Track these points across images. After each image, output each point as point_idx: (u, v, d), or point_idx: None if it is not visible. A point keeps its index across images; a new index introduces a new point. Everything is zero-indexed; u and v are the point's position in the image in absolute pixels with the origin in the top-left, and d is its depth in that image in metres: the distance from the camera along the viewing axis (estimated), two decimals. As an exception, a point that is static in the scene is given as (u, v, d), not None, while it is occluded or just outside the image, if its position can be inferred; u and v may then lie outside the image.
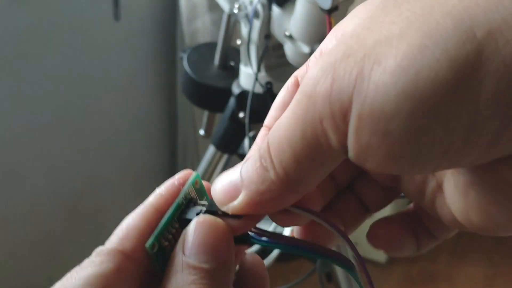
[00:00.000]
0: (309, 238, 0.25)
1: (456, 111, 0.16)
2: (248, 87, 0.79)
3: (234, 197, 0.22)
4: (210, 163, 0.89)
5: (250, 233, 0.24)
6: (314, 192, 0.24)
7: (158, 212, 0.24)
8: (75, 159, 1.28)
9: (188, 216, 0.24)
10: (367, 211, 0.26)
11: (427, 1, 0.17)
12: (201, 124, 0.95)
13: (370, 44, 0.17)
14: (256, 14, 0.74)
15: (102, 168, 1.35)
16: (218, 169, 0.90)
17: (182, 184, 0.25)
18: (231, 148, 0.87)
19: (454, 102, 0.16)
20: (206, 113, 0.93)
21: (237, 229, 0.23)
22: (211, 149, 0.89)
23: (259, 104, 0.78)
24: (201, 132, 0.94)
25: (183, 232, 0.23)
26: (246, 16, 0.75)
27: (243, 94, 0.80)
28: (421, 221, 0.25)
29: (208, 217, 0.23)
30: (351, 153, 0.18)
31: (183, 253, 0.22)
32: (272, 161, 0.20)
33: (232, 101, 0.83)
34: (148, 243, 0.23)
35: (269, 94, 0.76)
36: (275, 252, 0.84)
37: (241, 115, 0.81)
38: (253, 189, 0.21)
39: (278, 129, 0.20)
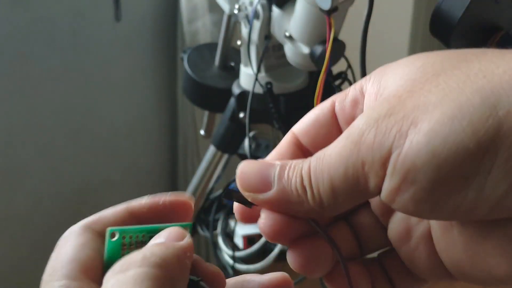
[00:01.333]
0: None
1: (473, 172, 0.20)
2: (248, 87, 0.80)
3: (263, 190, 0.24)
4: (210, 163, 0.90)
5: None
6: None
7: (131, 215, 0.26)
8: (75, 159, 1.28)
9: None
10: (361, 250, 0.27)
11: (460, 77, 0.21)
12: (201, 124, 0.95)
13: (409, 107, 0.21)
14: (256, 14, 0.74)
15: (103, 168, 1.35)
16: (218, 169, 0.90)
17: (166, 205, 0.26)
18: (231, 148, 0.87)
19: (473, 165, 0.20)
20: (206, 113, 0.93)
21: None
22: (211, 149, 0.89)
23: (259, 104, 0.78)
24: (202, 132, 0.95)
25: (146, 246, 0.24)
26: (246, 16, 0.76)
27: (243, 94, 0.80)
28: (384, 271, 0.27)
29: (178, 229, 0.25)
30: (383, 193, 0.22)
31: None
32: (311, 185, 0.23)
33: (232, 101, 0.83)
34: (110, 228, 0.24)
35: (269, 94, 0.77)
36: (275, 252, 0.84)
37: (241, 115, 0.81)
38: (286, 197, 0.24)
39: (322, 162, 0.23)
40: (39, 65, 1.15)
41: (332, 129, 0.26)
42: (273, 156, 0.27)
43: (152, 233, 0.25)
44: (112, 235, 0.24)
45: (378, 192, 0.22)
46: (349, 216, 0.28)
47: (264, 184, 0.24)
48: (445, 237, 0.24)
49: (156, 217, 0.26)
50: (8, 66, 1.10)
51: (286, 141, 0.27)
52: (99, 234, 0.25)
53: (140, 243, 0.25)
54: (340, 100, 0.26)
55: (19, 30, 1.10)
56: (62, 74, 1.20)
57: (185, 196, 0.27)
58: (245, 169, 0.25)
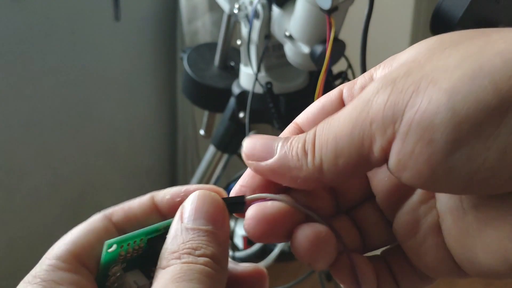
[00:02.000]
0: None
1: (495, 131, 0.19)
2: (248, 87, 0.80)
3: (266, 158, 0.24)
4: (210, 163, 0.90)
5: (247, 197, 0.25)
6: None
7: (155, 207, 0.26)
8: (75, 159, 1.28)
9: (156, 243, 0.24)
10: (365, 246, 0.27)
11: (480, 43, 0.20)
12: (201, 124, 0.95)
13: (428, 68, 0.21)
14: (256, 14, 0.74)
15: (103, 168, 1.35)
16: (218, 169, 0.90)
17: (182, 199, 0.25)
18: (231, 148, 0.87)
19: (494, 124, 0.19)
20: (206, 113, 0.93)
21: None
22: (211, 149, 0.89)
23: (259, 104, 0.78)
24: (201, 132, 0.95)
25: (181, 205, 0.24)
26: (246, 16, 0.76)
27: (243, 94, 0.80)
28: (389, 268, 0.26)
29: (204, 191, 0.24)
30: (393, 158, 0.21)
31: (181, 221, 0.23)
32: (313, 148, 0.23)
33: (232, 101, 0.83)
34: (108, 242, 0.24)
35: (269, 94, 0.76)
36: (275, 252, 0.84)
37: (241, 115, 0.81)
38: (286, 162, 0.24)
39: (328, 124, 0.23)
40: (38, 65, 1.15)
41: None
42: None
43: (150, 235, 0.25)
44: (110, 247, 0.24)
45: (382, 159, 0.21)
46: (353, 211, 0.27)
47: (267, 152, 0.24)
48: (457, 224, 0.23)
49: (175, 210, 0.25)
50: (8, 66, 1.10)
51: (288, 131, 0.27)
52: (115, 225, 0.25)
53: (138, 248, 0.25)
54: (348, 88, 0.26)
55: (18, 30, 1.10)
56: (61, 74, 1.20)
57: (209, 187, 0.26)
58: (252, 140, 0.25)
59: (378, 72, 0.24)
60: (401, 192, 0.25)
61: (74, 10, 1.18)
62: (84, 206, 1.31)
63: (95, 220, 0.26)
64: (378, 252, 0.27)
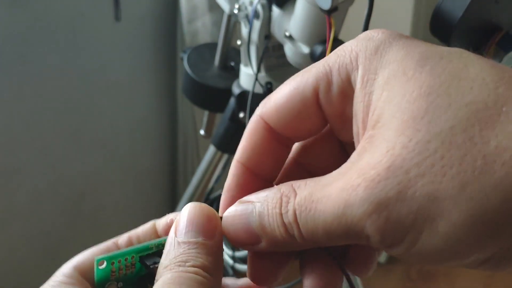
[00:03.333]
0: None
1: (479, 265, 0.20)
2: (248, 87, 0.80)
3: (255, 243, 0.24)
4: (210, 163, 0.90)
5: None
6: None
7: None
8: (75, 159, 1.28)
9: (146, 260, 0.25)
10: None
11: (476, 159, 0.19)
12: (201, 124, 0.95)
13: (423, 195, 0.19)
14: (256, 14, 0.74)
15: (103, 168, 1.35)
16: (218, 169, 0.90)
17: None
18: (231, 148, 0.87)
19: (488, 266, 0.20)
20: (206, 113, 0.93)
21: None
22: (211, 149, 0.89)
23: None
24: (202, 132, 0.95)
25: (175, 220, 0.25)
26: (246, 16, 0.76)
27: (243, 94, 0.80)
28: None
29: (195, 203, 0.25)
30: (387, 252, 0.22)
31: (175, 235, 0.24)
32: (300, 231, 0.22)
33: (232, 101, 0.83)
34: (97, 258, 0.24)
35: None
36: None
37: (241, 115, 0.81)
38: (277, 244, 0.23)
39: (317, 211, 0.22)
40: (38, 65, 1.15)
41: (316, 121, 0.25)
42: (245, 149, 0.26)
43: (141, 253, 0.25)
44: (100, 263, 0.24)
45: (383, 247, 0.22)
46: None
47: (253, 238, 0.24)
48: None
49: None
50: (8, 66, 1.10)
51: (232, 174, 0.26)
52: (118, 247, 0.27)
53: (130, 265, 0.25)
54: (325, 90, 0.24)
55: (19, 30, 1.10)
56: (61, 74, 1.20)
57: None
58: (229, 228, 0.24)
59: (358, 81, 0.22)
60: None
61: (75, 10, 1.18)
62: (84, 206, 1.31)
63: (102, 243, 0.27)
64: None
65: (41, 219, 1.24)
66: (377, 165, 0.20)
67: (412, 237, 0.20)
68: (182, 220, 0.24)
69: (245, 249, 0.25)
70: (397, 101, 0.20)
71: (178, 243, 0.23)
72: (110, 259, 0.24)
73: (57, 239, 1.28)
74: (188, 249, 0.23)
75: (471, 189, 0.19)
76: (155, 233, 0.27)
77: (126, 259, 0.25)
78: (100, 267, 0.24)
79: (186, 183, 1.21)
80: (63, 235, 1.28)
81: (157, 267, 0.24)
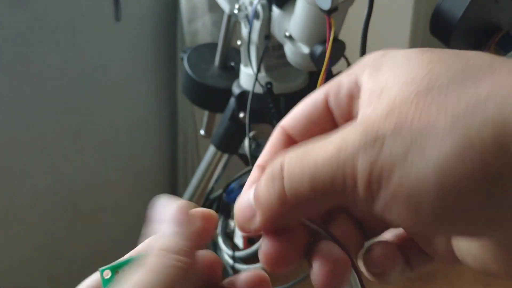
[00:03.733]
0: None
1: (482, 214, 0.20)
2: (248, 87, 0.80)
3: (253, 218, 0.24)
4: (210, 163, 0.90)
5: None
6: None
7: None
8: (76, 159, 1.28)
9: None
10: (364, 235, 0.27)
11: (469, 101, 0.20)
12: (201, 124, 0.95)
13: (417, 129, 0.20)
14: (256, 14, 0.74)
15: (103, 168, 1.35)
16: (218, 169, 0.90)
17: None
18: (231, 148, 0.87)
19: (482, 206, 0.19)
20: (206, 113, 0.93)
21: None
22: (211, 149, 0.89)
23: (259, 104, 0.78)
24: (202, 132, 0.95)
25: None
26: (246, 16, 0.76)
27: (243, 94, 0.80)
28: (415, 243, 0.26)
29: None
30: (379, 211, 0.21)
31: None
32: (283, 186, 0.23)
33: (232, 101, 0.83)
34: (102, 269, 0.25)
35: (269, 94, 0.77)
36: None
37: (241, 115, 0.81)
38: (266, 209, 0.23)
39: (305, 160, 0.22)
40: (39, 65, 1.15)
41: (327, 125, 0.26)
42: (265, 154, 0.27)
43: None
44: (106, 274, 0.25)
45: (367, 204, 0.22)
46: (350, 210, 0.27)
47: (251, 211, 0.24)
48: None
49: None
50: (8, 66, 1.10)
51: (276, 138, 0.27)
52: None
53: None
54: (334, 94, 0.25)
55: (19, 30, 1.10)
56: (62, 74, 1.20)
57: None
58: (235, 210, 0.25)
59: (364, 79, 0.24)
60: None
61: (75, 11, 1.18)
62: (84, 206, 1.31)
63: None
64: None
65: (41, 219, 1.24)
66: (377, 112, 0.21)
67: (402, 171, 0.20)
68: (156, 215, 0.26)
69: (245, 231, 0.25)
70: (399, 73, 0.22)
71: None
72: (114, 269, 0.25)
73: (57, 239, 1.28)
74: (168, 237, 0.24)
75: (463, 124, 0.19)
76: None
77: (130, 266, 0.25)
78: (106, 278, 0.25)
79: (186, 183, 1.21)
80: (63, 235, 1.28)
81: None
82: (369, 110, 0.23)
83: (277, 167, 0.23)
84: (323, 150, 0.22)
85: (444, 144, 0.20)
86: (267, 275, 0.27)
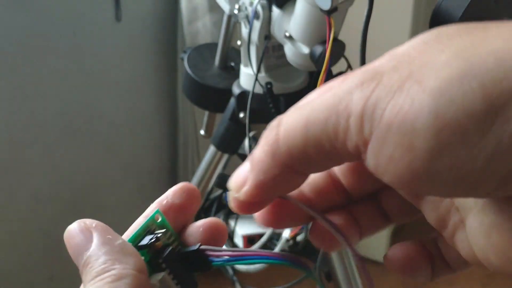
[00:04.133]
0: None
1: (481, 140, 0.17)
2: (248, 87, 0.80)
3: (245, 181, 0.23)
4: (210, 163, 0.90)
5: (210, 257, 0.25)
6: (320, 196, 0.26)
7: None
8: (76, 159, 1.28)
9: (142, 242, 0.26)
10: (388, 220, 0.27)
11: (476, 39, 0.19)
12: (201, 124, 0.95)
13: (417, 64, 0.19)
14: (256, 15, 0.74)
15: (103, 167, 1.35)
16: (218, 169, 0.90)
17: (167, 197, 0.27)
18: (231, 148, 0.87)
19: (481, 132, 0.17)
20: (206, 113, 0.93)
21: (240, 209, 0.24)
22: (211, 149, 0.89)
23: (259, 104, 0.78)
24: (202, 132, 0.95)
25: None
26: (246, 17, 0.76)
27: (243, 94, 0.80)
28: (440, 251, 0.26)
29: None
30: (371, 161, 0.19)
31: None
32: (277, 133, 0.21)
33: (232, 102, 0.83)
34: (159, 209, 0.26)
35: (269, 95, 0.77)
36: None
37: (241, 115, 0.81)
38: (257, 168, 0.22)
39: (303, 106, 0.21)
40: (39, 65, 1.15)
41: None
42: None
43: (135, 242, 0.26)
44: (156, 217, 0.26)
45: (355, 155, 0.20)
46: (379, 196, 0.26)
47: (245, 177, 0.23)
48: (473, 223, 0.22)
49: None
50: (9, 66, 1.10)
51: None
52: None
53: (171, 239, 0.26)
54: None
55: (19, 30, 1.10)
56: (62, 74, 1.20)
57: (182, 184, 0.27)
58: (231, 177, 0.24)
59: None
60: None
61: (75, 11, 1.18)
62: (85, 206, 1.31)
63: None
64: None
65: (42, 219, 1.24)
66: (383, 59, 0.20)
67: (396, 100, 0.18)
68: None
69: (237, 203, 0.24)
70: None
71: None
72: (163, 220, 0.26)
73: (57, 239, 1.27)
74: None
75: (466, 55, 0.18)
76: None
77: (168, 234, 0.26)
78: (157, 221, 0.26)
79: (187, 183, 1.21)
80: (63, 234, 1.28)
81: (154, 241, 0.25)
82: None
83: (275, 121, 0.22)
84: (321, 97, 0.21)
85: (443, 71, 0.18)
86: (223, 224, 0.27)
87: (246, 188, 0.23)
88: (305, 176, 0.23)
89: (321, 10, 0.61)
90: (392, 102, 0.18)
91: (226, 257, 0.25)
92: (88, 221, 0.27)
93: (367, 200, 0.26)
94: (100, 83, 1.28)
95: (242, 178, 0.23)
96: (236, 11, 0.77)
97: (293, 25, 0.70)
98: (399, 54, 0.20)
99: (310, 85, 0.80)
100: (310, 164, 0.21)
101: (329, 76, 0.75)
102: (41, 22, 1.13)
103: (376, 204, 0.26)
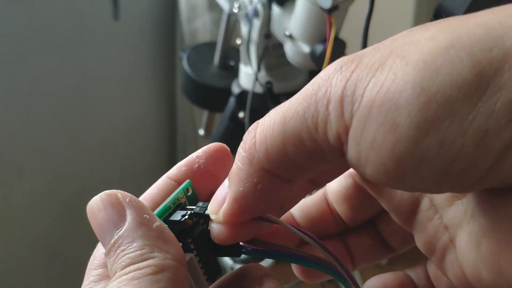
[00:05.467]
0: None
1: (471, 112, 0.16)
2: (248, 86, 0.79)
3: (223, 200, 0.21)
4: (209, 163, 0.89)
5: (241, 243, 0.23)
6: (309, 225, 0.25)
7: (175, 182, 0.25)
8: (74, 158, 1.28)
9: (173, 217, 0.23)
10: (387, 248, 0.26)
11: (463, 17, 0.17)
12: (200, 124, 0.95)
13: (400, 43, 0.17)
14: (256, 13, 0.73)
15: (102, 167, 1.34)
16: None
17: (200, 159, 0.24)
18: (231, 148, 0.86)
19: (470, 103, 0.16)
20: (205, 113, 0.93)
21: (222, 237, 0.22)
22: (210, 149, 0.89)
23: (259, 104, 0.78)
24: (201, 132, 0.94)
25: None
26: (246, 15, 0.75)
27: (243, 93, 0.80)
28: (427, 276, 0.25)
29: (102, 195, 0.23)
30: (352, 150, 0.18)
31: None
32: (254, 136, 0.19)
33: (232, 101, 0.82)
34: (190, 181, 0.24)
35: (269, 94, 0.76)
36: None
37: (241, 115, 0.81)
38: (236, 180, 0.20)
39: (280, 106, 0.19)
40: (37, 64, 1.15)
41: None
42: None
43: (163, 216, 0.24)
44: (187, 190, 0.23)
45: (338, 148, 0.18)
46: (369, 225, 0.26)
47: (225, 195, 0.21)
48: (462, 239, 0.20)
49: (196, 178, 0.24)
50: (5, 65, 1.10)
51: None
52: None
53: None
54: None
55: (16, 29, 1.09)
56: (60, 73, 1.19)
57: (218, 145, 0.24)
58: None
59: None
60: (410, 206, 0.23)
61: (73, 10, 1.18)
62: (83, 206, 1.30)
63: None
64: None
65: (40, 219, 1.24)
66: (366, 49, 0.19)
67: (378, 78, 0.17)
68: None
69: (217, 226, 0.21)
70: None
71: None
72: (193, 192, 0.24)
73: (55, 239, 1.27)
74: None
75: (451, 28, 0.17)
76: (173, 187, 0.24)
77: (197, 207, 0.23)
78: (188, 193, 0.24)
79: (185, 183, 1.21)
80: (62, 235, 1.28)
81: (187, 219, 0.22)
82: None
83: (253, 124, 0.20)
84: (300, 92, 0.19)
85: (427, 44, 0.17)
86: (227, 148, 0.25)
87: (225, 206, 0.21)
88: (289, 184, 0.21)
89: (322, 8, 0.60)
90: (373, 80, 0.17)
91: (260, 248, 0.23)
92: (121, 194, 0.22)
93: (363, 228, 0.26)
94: (97, 82, 1.27)
95: (221, 197, 0.21)
96: (236, 10, 0.76)
97: (293, 23, 0.69)
98: (383, 41, 0.19)
99: (310, 85, 0.79)
100: (291, 167, 0.19)
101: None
102: (38, 20, 1.12)
103: (374, 232, 0.26)
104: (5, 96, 1.11)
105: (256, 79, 0.76)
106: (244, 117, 0.80)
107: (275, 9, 0.72)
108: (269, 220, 0.22)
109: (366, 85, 0.17)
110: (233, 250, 0.23)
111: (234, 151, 0.84)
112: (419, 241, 0.23)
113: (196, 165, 0.24)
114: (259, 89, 0.77)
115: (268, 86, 0.76)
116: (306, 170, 0.20)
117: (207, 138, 0.93)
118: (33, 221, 1.23)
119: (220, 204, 0.21)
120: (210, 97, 0.89)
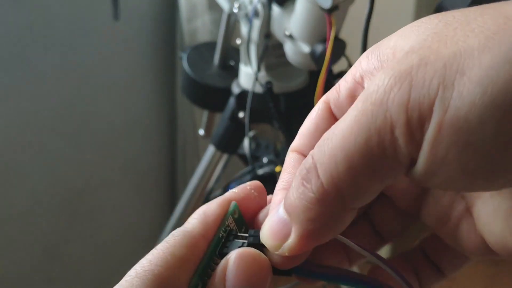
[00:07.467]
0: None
1: None
2: (248, 86, 0.79)
3: (286, 236, 0.21)
4: (210, 163, 0.89)
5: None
6: None
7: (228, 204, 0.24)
8: (74, 159, 1.27)
9: (230, 250, 0.23)
10: (382, 240, 0.26)
11: (497, 19, 0.17)
12: (200, 124, 0.95)
13: (447, 54, 0.17)
14: (256, 13, 0.73)
15: (102, 168, 1.34)
16: (218, 169, 0.89)
17: (252, 190, 0.25)
18: (231, 148, 0.86)
19: None
20: (205, 113, 0.93)
21: (282, 264, 0.22)
22: (210, 149, 0.88)
23: (259, 104, 0.77)
24: (201, 132, 0.94)
25: (221, 263, 0.22)
26: (246, 15, 0.75)
27: (243, 93, 0.80)
28: (426, 258, 0.25)
29: (249, 250, 0.22)
30: (422, 166, 0.18)
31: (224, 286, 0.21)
32: (318, 177, 0.19)
33: (232, 101, 0.82)
34: (191, 283, 0.22)
35: (269, 94, 0.76)
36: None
37: (241, 115, 0.81)
38: (303, 218, 0.20)
39: (330, 140, 0.19)
40: (36, 64, 1.15)
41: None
42: (284, 180, 0.24)
43: (216, 249, 0.24)
44: (196, 286, 0.22)
45: (410, 163, 0.18)
46: (369, 212, 0.26)
47: (284, 228, 0.21)
48: (485, 209, 0.20)
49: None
50: (5, 66, 1.10)
51: (288, 164, 0.24)
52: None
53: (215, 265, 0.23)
54: (334, 100, 0.23)
55: (16, 29, 1.09)
56: (59, 74, 1.19)
57: (257, 183, 0.25)
58: (263, 230, 0.22)
59: (363, 67, 0.21)
60: (420, 190, 0.24)
61: (73, 10, 1.17)
62: (83, 206, 1.31)
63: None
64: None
65: (40, 219, 1.24)
66: (393, 60, 0.19)
67: (443, 97, 0.16)
68: (232, 271, 0.21)
69: (279, 260, 0.21)
70: (407, 34, 0.20)
71: None
72: (200, 276, 0.22)
73: (55, 239, 1.27)
74: None
75: (500, 37, 0.16)
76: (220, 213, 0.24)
77: (211, 265, 0.23)
78: (234, 216, 0.24)
79: (186, 183, 1.20)
80: (62, 235, 1.28)
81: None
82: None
83: (308, 161, 0.20)
84: (345, 120, 0.19)
85: (484, 57, 0.16)
86: (262, 185, 0.25)
87: (291, 241, 0.21)
88: (355, 211, 0.21)
89: (322, 8, 0.60)
90: (438, 99, 0.17)
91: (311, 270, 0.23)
92: None
93: (356, 222, 0.25)
94: (97, 83, 1.27)
95: (282, 232, 0.21)
96: (235, 10, 0.76)
97: (293, 23, 0.69)
98: (415, 47, 0.18)
99: (311, 85, 0.79)
100: (363, 196, 0.19)
101: (330, 75, 0.74)
102: (38, 20, 1.12)
103: (366, 224, 0.26)
104: (4, 96, 1.11)
105: (256, 79, 0.76)
106: (244, 117, 0.80)
107: (275, 9, 0.72)
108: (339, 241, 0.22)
109: (432, 105, 0.17)
110: (286, 271, 0.23)
111: (233, 150, 0.83)
112: (430, 214, 0.23)
113: (245, 189, 0.25)
114: (259, 89, 0.77)
115: (268, 86, 0.76)
116: (376, 193, 0.20)
117: (207, 138, 0.93)
118: (34, 221, 1.23)
119: (280, 238, 0.21)
120: (210, 97, 0.89)
